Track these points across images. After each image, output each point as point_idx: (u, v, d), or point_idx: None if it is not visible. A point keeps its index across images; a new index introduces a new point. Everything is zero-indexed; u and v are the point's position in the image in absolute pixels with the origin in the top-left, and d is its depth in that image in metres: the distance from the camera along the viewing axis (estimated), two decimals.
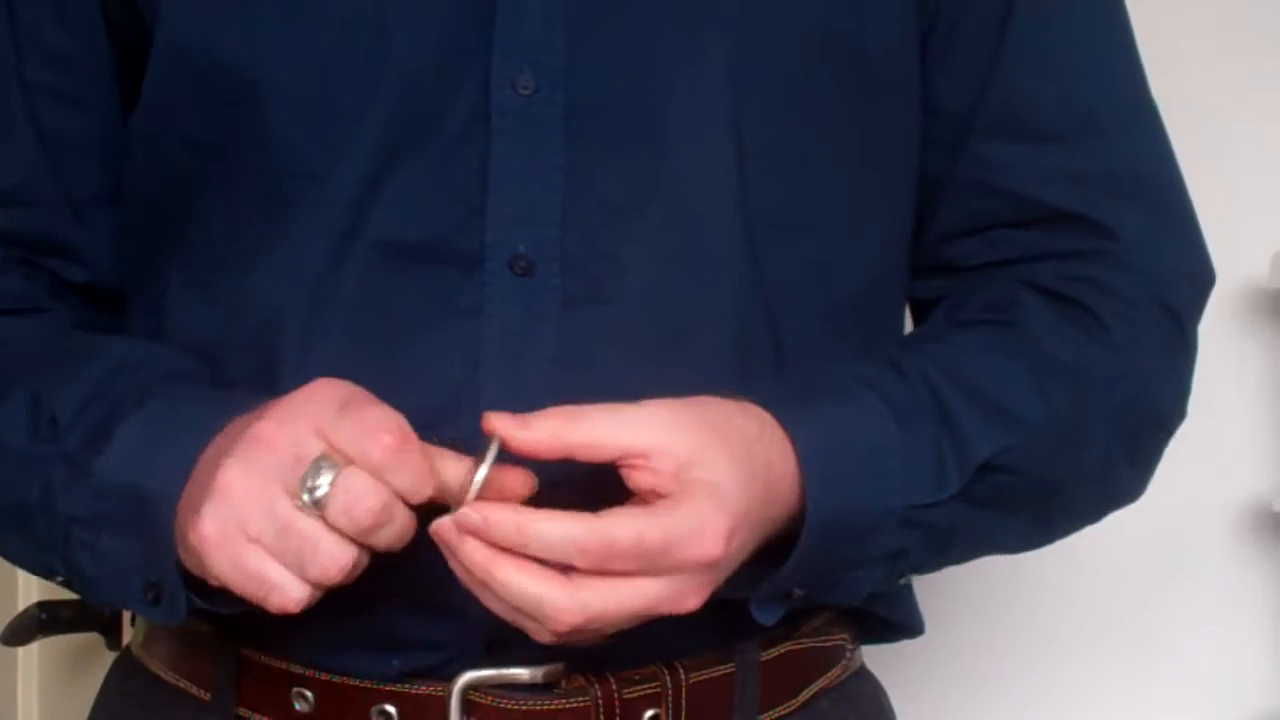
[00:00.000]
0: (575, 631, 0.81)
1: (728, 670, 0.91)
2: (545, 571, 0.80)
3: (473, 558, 0.80)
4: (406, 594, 0.87)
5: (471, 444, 0.84)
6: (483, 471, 0.81)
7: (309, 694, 0.89)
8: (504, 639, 0.87)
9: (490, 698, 0.88)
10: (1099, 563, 1.48)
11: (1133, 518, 1.46)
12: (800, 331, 0.93)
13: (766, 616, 0.88)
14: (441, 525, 0.80)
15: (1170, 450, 1.45)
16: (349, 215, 0.89)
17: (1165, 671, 1.48)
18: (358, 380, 0.85)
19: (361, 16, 0.89)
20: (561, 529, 0.80)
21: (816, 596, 0.89)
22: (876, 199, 0.95)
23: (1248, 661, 1.48)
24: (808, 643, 0.95)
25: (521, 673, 0.87)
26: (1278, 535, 1.47)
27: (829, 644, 0.97)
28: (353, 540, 0.80)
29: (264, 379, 0.89)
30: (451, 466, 0.82)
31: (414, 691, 0.88)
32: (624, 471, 0.82)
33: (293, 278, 0.89)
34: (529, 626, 0.82)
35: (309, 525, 0.79)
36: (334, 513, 0.79)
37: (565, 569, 0.80)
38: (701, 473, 0.81)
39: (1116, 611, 1.48)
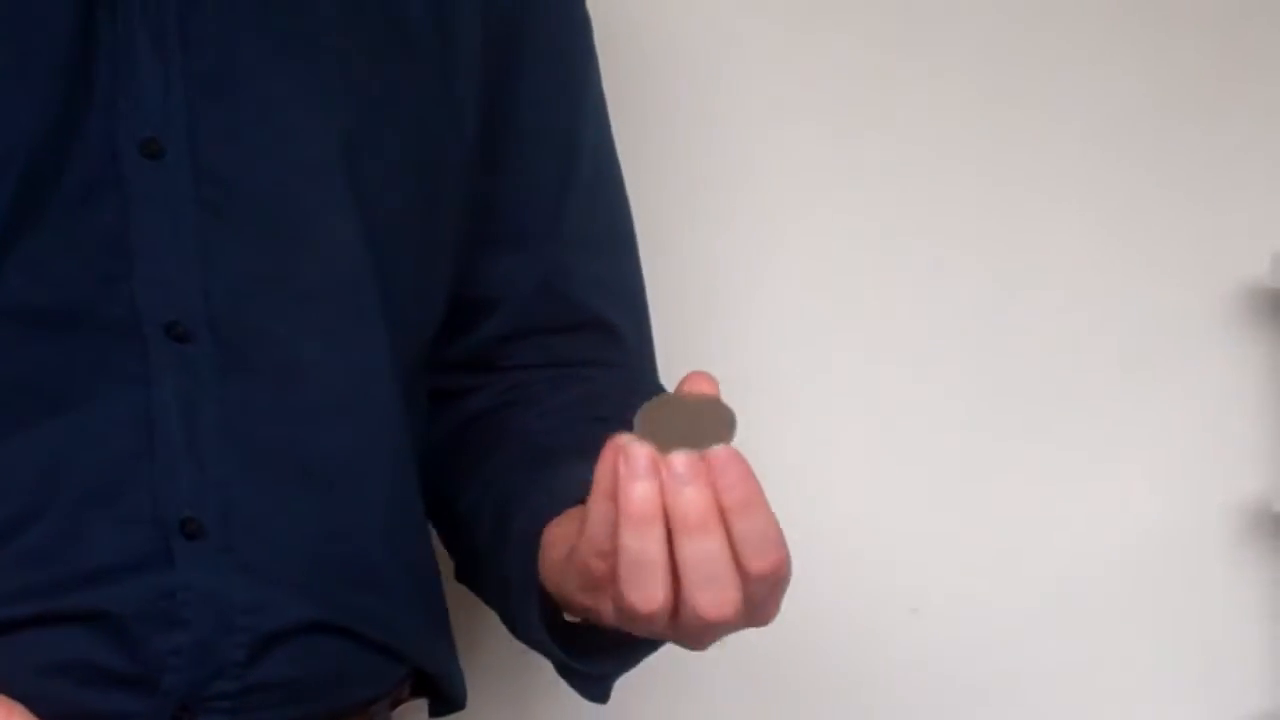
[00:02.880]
0: None
1: None
2: None
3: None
4: (97, 667, 0.85)
5: (147, 523, 0.85)
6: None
7: None
8: (192, 706, 0.87)
9: None
10: (1099, 562, 1.48)
11: (1133, 517, 1.47)
12: (425, 389, 0.99)
13: (601, 696, 0.93)
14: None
15: (1170, 450, 1.46)
16: None
17: (1166, 672, 1.48)
18: (9, 455, 0.83)
19: None
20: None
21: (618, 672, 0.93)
22: (443, 287, 1.00)
23: (1248, 661, 1.48)
24: (409, 705, 0.99)
25: None
26: (1278, 535, 1.47)
27: (422, 707, 1.01)
28: None
29: None
30: None
31: None
32: None
33: None
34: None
35: None
36: None
37: None
38: None
39: (1117, 611, 1.48)
